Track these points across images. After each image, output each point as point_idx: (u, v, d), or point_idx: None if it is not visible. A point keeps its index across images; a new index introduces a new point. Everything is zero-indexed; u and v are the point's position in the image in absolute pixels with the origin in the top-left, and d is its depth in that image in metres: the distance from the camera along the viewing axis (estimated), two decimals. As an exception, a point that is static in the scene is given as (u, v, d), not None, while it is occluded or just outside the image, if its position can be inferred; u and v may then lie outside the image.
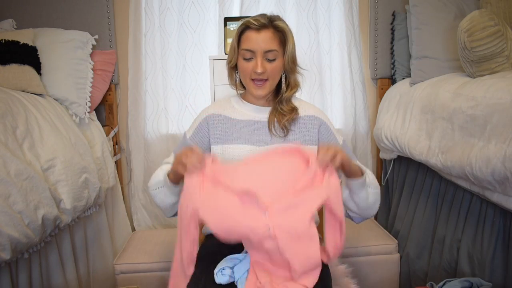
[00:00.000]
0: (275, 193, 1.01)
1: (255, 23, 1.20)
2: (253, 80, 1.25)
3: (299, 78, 1.32)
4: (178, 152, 1.13)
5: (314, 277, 1.01)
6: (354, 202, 1.18)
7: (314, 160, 1.03)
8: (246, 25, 1.22)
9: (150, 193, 1.27)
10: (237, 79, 1.33)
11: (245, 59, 1.24)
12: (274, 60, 1.23)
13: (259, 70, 1.21)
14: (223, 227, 1.00)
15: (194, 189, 1.03)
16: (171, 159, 1.37)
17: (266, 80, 1.24)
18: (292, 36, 1.25)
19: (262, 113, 1.32)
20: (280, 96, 1.30)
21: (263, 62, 1.22)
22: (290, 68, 1.27)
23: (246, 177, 1.05)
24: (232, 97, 1.38)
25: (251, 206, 0.99)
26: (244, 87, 1.34)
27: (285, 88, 1.29)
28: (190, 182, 1.04)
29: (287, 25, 1.25)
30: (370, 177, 1.19)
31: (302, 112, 1.31)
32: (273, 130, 1.28)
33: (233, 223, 0.99)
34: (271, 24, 1.22)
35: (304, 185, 1.01)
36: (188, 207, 1.02)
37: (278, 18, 1.24)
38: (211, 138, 1.31)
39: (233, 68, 1.31)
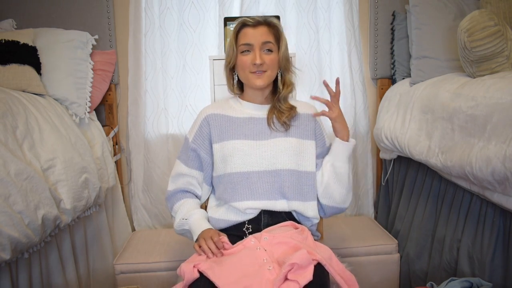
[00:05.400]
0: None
1: (251, 20, 1.27)
2: (252, 73, 1.29)
3: (293, 78, 1.37)
4: (203, 233, 1.21)
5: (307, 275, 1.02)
6: (337, 181, 1.29)
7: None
8: (243, 23, 1.28)
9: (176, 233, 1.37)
10: (234, 80, 1.35)
11: (242, 52, 1.28)
12: (271, 51, 1.28)
13: (258, 61, 1.25)
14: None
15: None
16: (179, 168, 1.38)
17: (265, 71, 1.29)
18: (285, 37, 1.32)
19: (260, 111, 1.35)
20: (278, 95, 1.34)
21: (261, 54, 1.27)
22: (284, 66, 1.32)
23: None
24: (230, 99, 1.42)
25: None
26: (241, 90, 1.37)
27: (281, 86, 1.34)
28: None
29: (280, 25, 1.31)
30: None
31: (300, 109, 1.36)
32: (272, 125, 1.31)
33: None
34: (265, 21, 1.29)
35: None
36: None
37: (272, 18, 1.31)
38: (212, 138, 1.32)
39: (232, 69, 1.35)
